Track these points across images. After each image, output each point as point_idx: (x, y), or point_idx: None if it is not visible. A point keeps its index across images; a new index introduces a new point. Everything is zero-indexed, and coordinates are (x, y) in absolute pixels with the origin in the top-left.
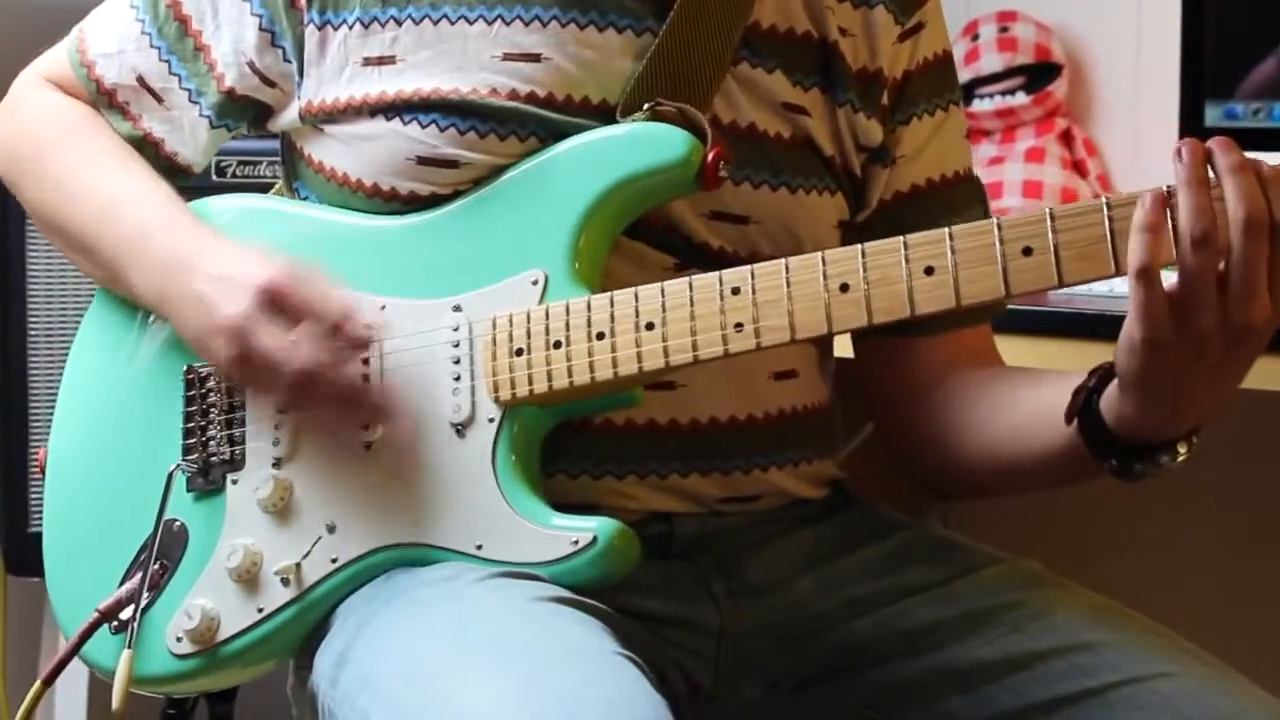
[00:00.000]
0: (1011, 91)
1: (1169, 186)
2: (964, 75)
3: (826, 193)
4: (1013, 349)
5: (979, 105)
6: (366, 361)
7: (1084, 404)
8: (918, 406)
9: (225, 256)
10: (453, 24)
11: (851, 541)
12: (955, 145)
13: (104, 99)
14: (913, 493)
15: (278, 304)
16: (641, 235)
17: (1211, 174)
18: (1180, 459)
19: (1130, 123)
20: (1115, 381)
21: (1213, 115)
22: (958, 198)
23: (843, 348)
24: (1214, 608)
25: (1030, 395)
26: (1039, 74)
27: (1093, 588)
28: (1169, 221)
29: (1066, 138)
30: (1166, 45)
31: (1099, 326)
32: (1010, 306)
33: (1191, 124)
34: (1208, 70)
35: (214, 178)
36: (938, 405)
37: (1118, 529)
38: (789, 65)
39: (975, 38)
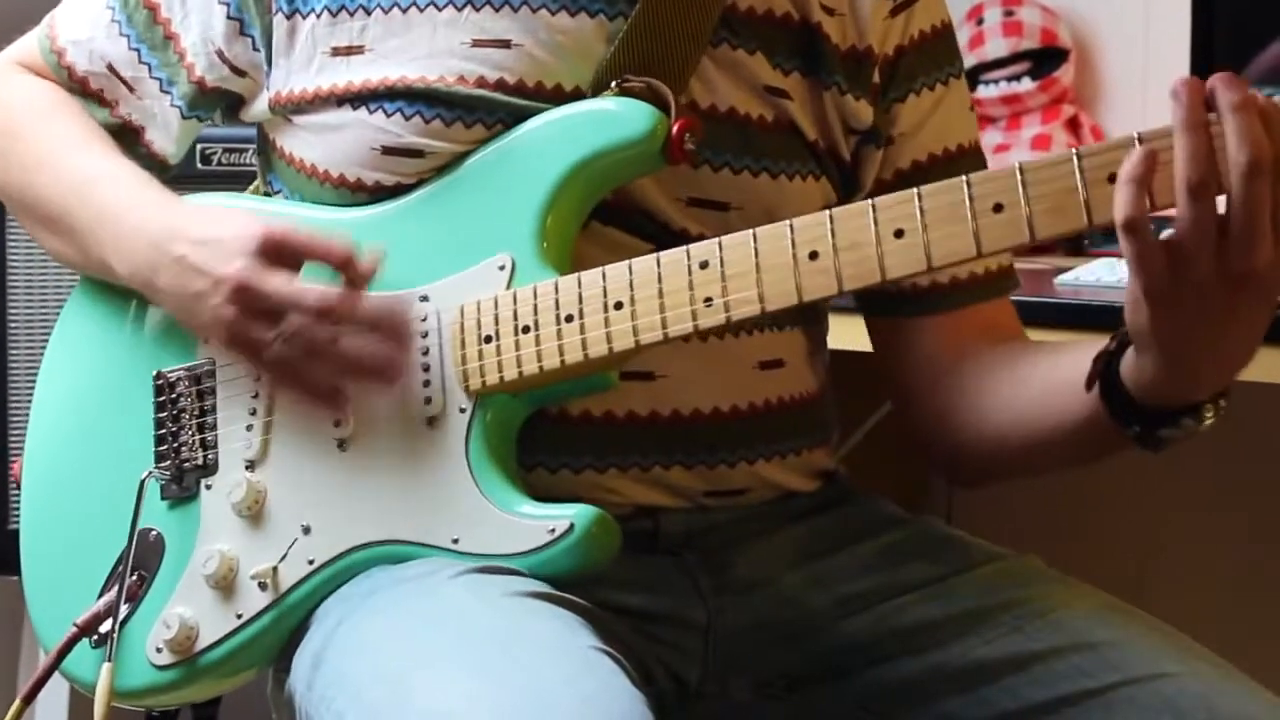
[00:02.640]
0: (1017, 77)
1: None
2: (969, 61)
3: (811, 178)
4: None
5: (983, 91)
6: None
7: (1104, 369)
8: (937, 387)
9: (210, 219)
10: (421, 10)
11: (847, 536)
12: (957, 119)
13: (78, 86)
14: (915, 487)
15: (277, 253)
16: (618, 222)
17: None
18: (1207, 422)
19: (1139, 109)
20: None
21: None
22: (961, 173)
23: (837, 339)
24: (1223, 606)
25: (1051, 365)
26: (1045, 59)
27: (1098, 585)
28: (1159, 172)
29: (1073, 125)
30: (1176, 29)
31: (1106, 316)
32: (1016, 298)
33: None
34: (1219, 54)
35: (199, 166)
36: (956, 385)
37: (1125, 524)
38: (769, 48)
39: (980, 22)
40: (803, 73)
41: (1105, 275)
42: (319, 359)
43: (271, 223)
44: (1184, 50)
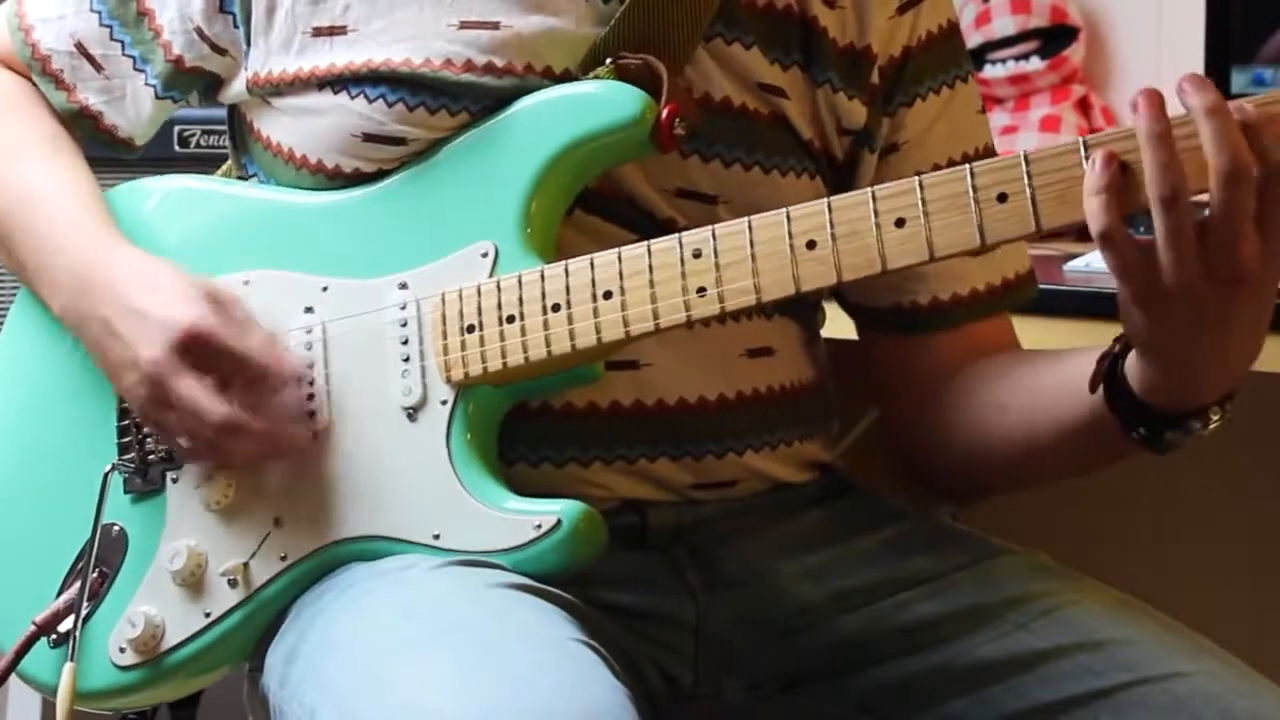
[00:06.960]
0: (1025, 56)
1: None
2: (975, 39)
3: (805, 175)
4: (1028, 330)
5: (991, 71)
6: (310, 384)
7: (1108, 370)
8: (929, 404)
9: (144, 285)
10: None
11: (845, 530)
12: (968, 123)
13: (38, 65)
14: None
15: (199, 351)
16: (603, 211)
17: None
18: (1214, 425)
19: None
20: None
21: (1239, 81)
22: None
23: (840, 329)
24: (1238, 603)
25: (1049, 370)
26: (1054, 37)
27: (1107, 581)
28: (1127, 175)
29: (1084, 105)
30: (1190, 6)
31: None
32: None
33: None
34: (1234, 33)
35: (176, 148)
36: (948, 399)
37: (1135, 519)
38: (768, 41)
39: None
40: (801, 68)
41: None
42: (217, 451)
43: (204, 317)
44: (1198, 27)
